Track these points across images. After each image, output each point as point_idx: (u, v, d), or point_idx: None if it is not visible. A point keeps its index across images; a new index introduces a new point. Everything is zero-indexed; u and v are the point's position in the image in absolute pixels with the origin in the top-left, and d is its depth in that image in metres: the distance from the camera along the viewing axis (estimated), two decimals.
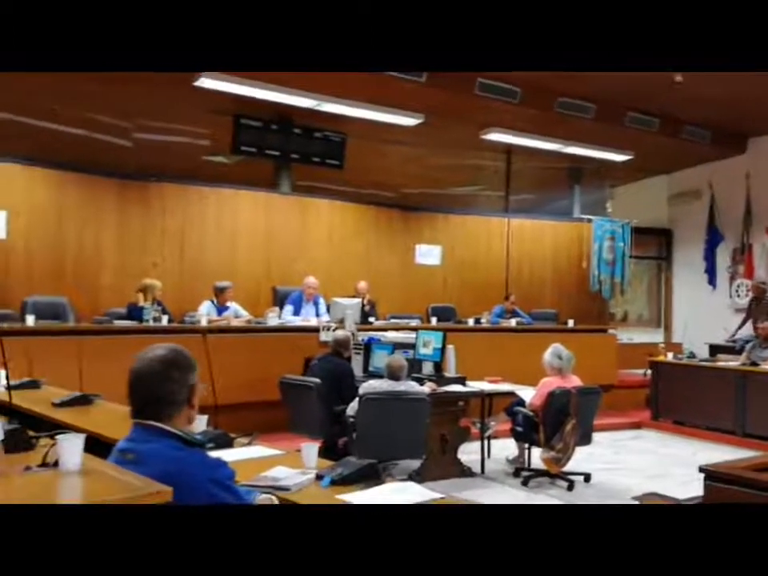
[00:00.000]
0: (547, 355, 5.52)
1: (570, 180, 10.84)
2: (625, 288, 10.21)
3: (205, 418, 2.86)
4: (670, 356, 8.06)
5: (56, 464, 1.86)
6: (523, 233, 9.83)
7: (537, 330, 8.20)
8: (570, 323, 8.53)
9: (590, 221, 10.01)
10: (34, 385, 3.92)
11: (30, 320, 5.47)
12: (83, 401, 3.54)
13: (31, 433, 2.26)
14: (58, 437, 1.90)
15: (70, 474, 1.83)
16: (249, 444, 2.87)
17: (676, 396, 7.77)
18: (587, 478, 5.51)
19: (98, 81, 5.81)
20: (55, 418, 3.15)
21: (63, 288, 6.70)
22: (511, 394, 5.81)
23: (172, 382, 1.94)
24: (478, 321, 8.14)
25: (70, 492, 1.81)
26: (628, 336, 10.58)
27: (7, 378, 2.65)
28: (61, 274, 6.91)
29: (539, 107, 7.91)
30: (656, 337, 11.04)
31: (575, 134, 8.68)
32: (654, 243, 11.68)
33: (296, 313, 7.30)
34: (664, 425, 7.85)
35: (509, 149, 9.49)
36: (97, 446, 2.09)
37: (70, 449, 1.86)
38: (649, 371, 8.28)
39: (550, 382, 5.40)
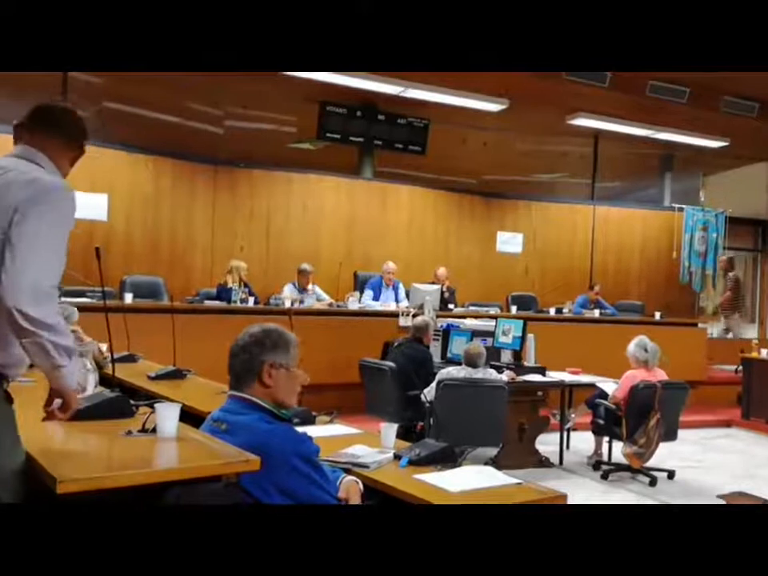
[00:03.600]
0: (632, 347, 5.38)
1: (661, 167, 10.45)
2: (717, 281, 9.78)
3: None
4: (764, 352, 7.68)
5: (154, 430, 2.00)
6: (609, 221, 9.56)
7: (622, 322, 7.98)
8: (657, 316, 8.26)
9: (681, 210, 9.62)
10: (131, 359, 4.18)
11: (129, 298, 5.80)
12: (176, 375, 3.74)
13: (131, 401, 2.42)
14: (156, 405, 2.05)
15: (166, 440, 1.97)
16: (330, 422, 2.95)
17: None
18: (671, 474, 5.35)
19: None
20: (150, 389, 3.35)
21: (158, 268, 7.07)
22: (592, 386, 5.71)
23: (246, 355, 2.07)
24: (559, 311, 8.01)
25: (167, 456, 1.94)
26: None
27: (111, 351, 2.83)
28: (156, 254, 7.28)
29: (629, 91, 7.65)
30: (749, 332, 10.54)
31: (667, 119, 8.34)
32: (750, 234, 11.12)
33: (375, 298, 7.40)
34: (756, 424, 7.50)
35: (596, 134, 9.23)
36: (188, 418, 2.22)
37: (167, 416, 1.99)
38: (741, 368, 7.94)
39: (634, 375, 5.27)
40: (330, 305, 7.04)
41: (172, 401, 2.58)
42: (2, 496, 1.64)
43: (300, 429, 2.23)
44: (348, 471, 2.22)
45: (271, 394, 2.06)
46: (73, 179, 6.85)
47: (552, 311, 7.95)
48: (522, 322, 5.75)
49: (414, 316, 6.21)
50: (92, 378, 2.60)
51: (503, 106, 7.71)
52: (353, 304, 6.93)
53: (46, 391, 1.80)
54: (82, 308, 4.77)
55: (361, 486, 2.14)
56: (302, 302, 6.86)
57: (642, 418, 5.08)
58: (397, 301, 7.39)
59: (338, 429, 2.86)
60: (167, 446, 1.94)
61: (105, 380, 2.95)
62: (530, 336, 5.85)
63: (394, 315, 6.77)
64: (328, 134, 8.03)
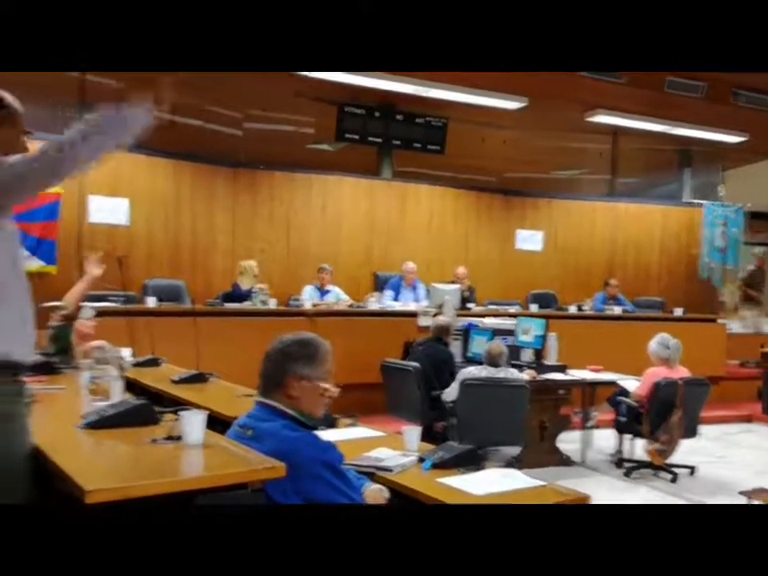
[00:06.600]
0: (654, 344, 5.35)
1: (680, 163, 10.34)
2: (737, 276, 9.67)
3: None
4: None
5: (179, 438, 2.02)
6: (629, 218, 9.47)
7: (641, 319, 7.91)
8: (678, 312, 8.19)
9: (700, 205, 9.52)
10: (154, 362, 4.20)
11: (151, 302, 5.85)
12: (199, 379, 3.77)
13: (156, 408, 2.45)
14: (181, 413, 2.07)
15: (192, 447, 1.98)
16: (352, 425, 2.97)
17: None
18: (692, 471, 5.33)
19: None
20: (174, 394, 3.36)
21: (180, 271, 7.14)
22: (613, 383, 5.68)
23: (272, 364, 2.09)
24: (579, 308, 7.97)
25: (193, 464, 1.96)
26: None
27: (134, 356, 2.87)
28: (178, 258, 7.34)
29: (647, 87, 7.58)
30: None
31: (685, 114, 8.25)
32: None
33: (395, 298, 7.41)
34: None
35: (615, 131, 9.15)
36: (210, 421, 2.24)
37: (193, 424, 2.01)
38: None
39: (657, 372, 5.24)
40: (351, 305, 7.07)
41: (195, 405, 2.61)
42: None
43: (322, 433, 2.24)
44: (371, 475, 2.23)
45: (296, 405, 2.07)
46: (94, 185, 6.96)
47: (572, 309, 7.92)
48: (543, 321, 5.73)
49: (435, 316, 6.21)
50: (118, 386, 2.63)
51: (522, 104, 7.67)
52: (373, 304, 6.95)
53: (74, 398, 1.81)
54: (104, 312, 4.85)
55: (386, 493, 2.14)
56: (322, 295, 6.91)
57: (664, 415, 5.06)
58: (417, 300, 7.40)
59: (361, 432, 2.88)
60: (193, 453, 1.96)
61: (130, 386, 2.99)
62: (552, 335, 5.83)
63: (414, 315, 6.78)
64: (347, 135, 8.03)
